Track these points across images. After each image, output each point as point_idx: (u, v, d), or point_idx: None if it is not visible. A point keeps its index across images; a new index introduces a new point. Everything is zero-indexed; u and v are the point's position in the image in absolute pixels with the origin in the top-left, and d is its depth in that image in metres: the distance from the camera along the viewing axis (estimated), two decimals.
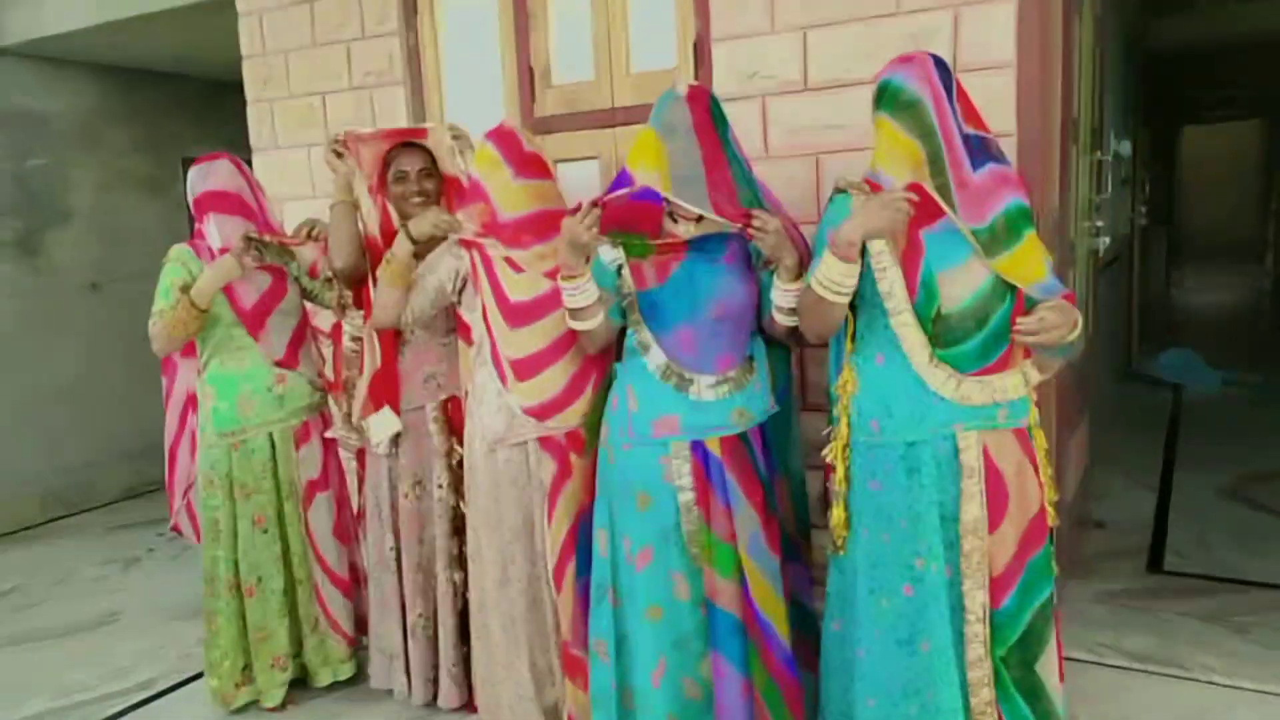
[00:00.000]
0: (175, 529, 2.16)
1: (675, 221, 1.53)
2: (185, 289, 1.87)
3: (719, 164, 1.51)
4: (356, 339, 1.92)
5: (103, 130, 3.93)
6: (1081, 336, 1.37)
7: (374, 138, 1.89)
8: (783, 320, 1.54)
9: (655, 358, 1.55)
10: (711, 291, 1.53)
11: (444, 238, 1.79)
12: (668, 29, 2.09)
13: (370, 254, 1.89)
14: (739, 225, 1.47)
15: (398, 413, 1.90)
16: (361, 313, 1.91)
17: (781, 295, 1.51)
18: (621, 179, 1.54)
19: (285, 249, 2.00)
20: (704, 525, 1.54)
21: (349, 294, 1.93)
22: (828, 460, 1.48)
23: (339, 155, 1.86)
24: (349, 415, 1.93)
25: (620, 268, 1.57)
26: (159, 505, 3.80)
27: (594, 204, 1.48)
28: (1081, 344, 1.42)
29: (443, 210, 1.78)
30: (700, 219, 1.50)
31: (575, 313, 1.56)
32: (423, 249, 1.79)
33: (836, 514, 1.46)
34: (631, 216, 1.56)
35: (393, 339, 1.90)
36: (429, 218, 1.69)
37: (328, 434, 2.03)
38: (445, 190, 1.94)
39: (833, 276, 1.35)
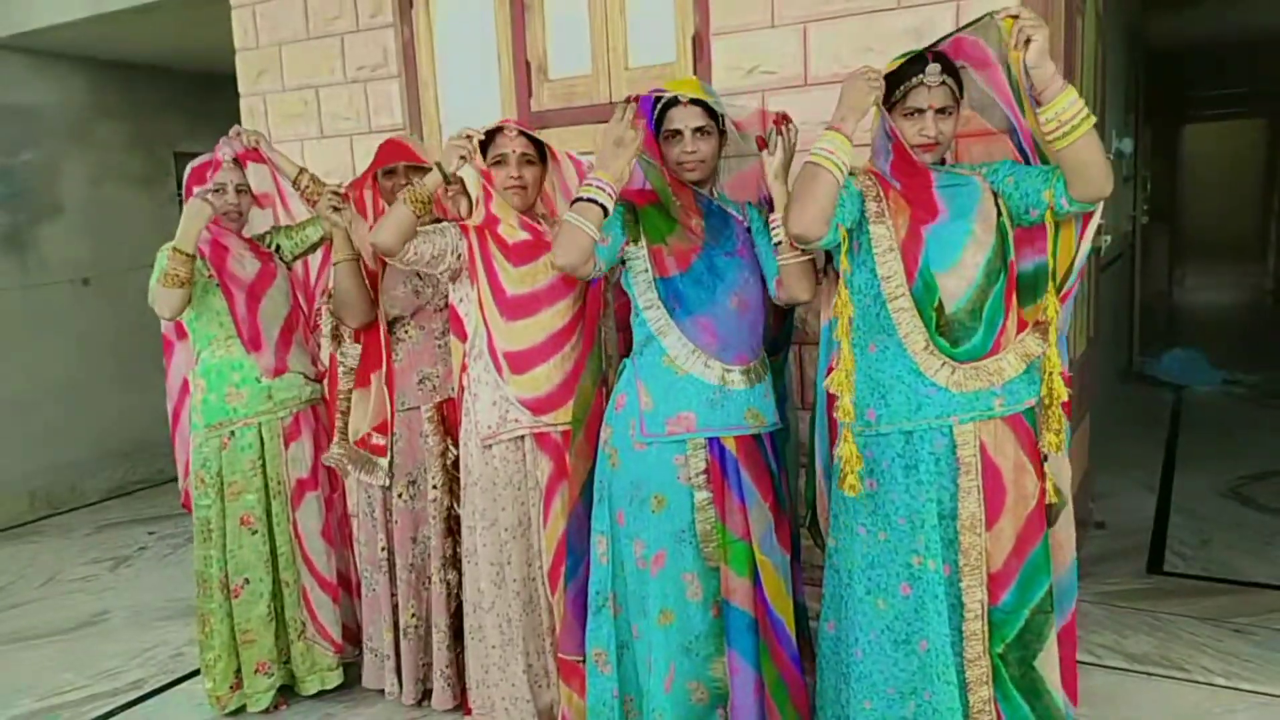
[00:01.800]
0: (186, 505, 2.08)
1: (689, 216, 1.54)
2: None
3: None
4: (352, 370, 1.93)
5: (94, 124, 3.90)
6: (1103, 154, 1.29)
7: (368, 174, 1.91)
8: (789, 279, 1.51)
9: (675, 343, 1.53)
10: (730, 282, 1.54)
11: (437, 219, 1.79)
12: (666, 22, 2.07)
13: (372, 285, 1.89)
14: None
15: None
16: (359, 348, 1.91)
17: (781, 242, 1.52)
18: (644, 102, 1.54)
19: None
20: (719, 523, 1.53)
21: (346, 328, 1.92)
22: (829, 390, 1.45)
23: (337, 210, 1.84)
24: (344, 437, 1.94)
25: (625, 224, 1.54)
26: (148, 503, 3.79)
27: (628, 100, 1.49)
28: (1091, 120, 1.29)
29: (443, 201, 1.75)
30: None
31: (581, 205, 1.46)
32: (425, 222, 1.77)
33: (846, 449, 1.40)
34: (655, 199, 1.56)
35: (392, 377, 1.89)
36: (450, 146, 1.64)
37: (324, 460, 2.02)
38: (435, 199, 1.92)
39: (827, 146, 1.35)
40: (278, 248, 2.06)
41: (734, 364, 1.53)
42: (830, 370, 1.47)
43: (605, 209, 1.46)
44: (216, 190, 1.91)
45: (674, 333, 1.53)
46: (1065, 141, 1.29)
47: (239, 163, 1.99)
